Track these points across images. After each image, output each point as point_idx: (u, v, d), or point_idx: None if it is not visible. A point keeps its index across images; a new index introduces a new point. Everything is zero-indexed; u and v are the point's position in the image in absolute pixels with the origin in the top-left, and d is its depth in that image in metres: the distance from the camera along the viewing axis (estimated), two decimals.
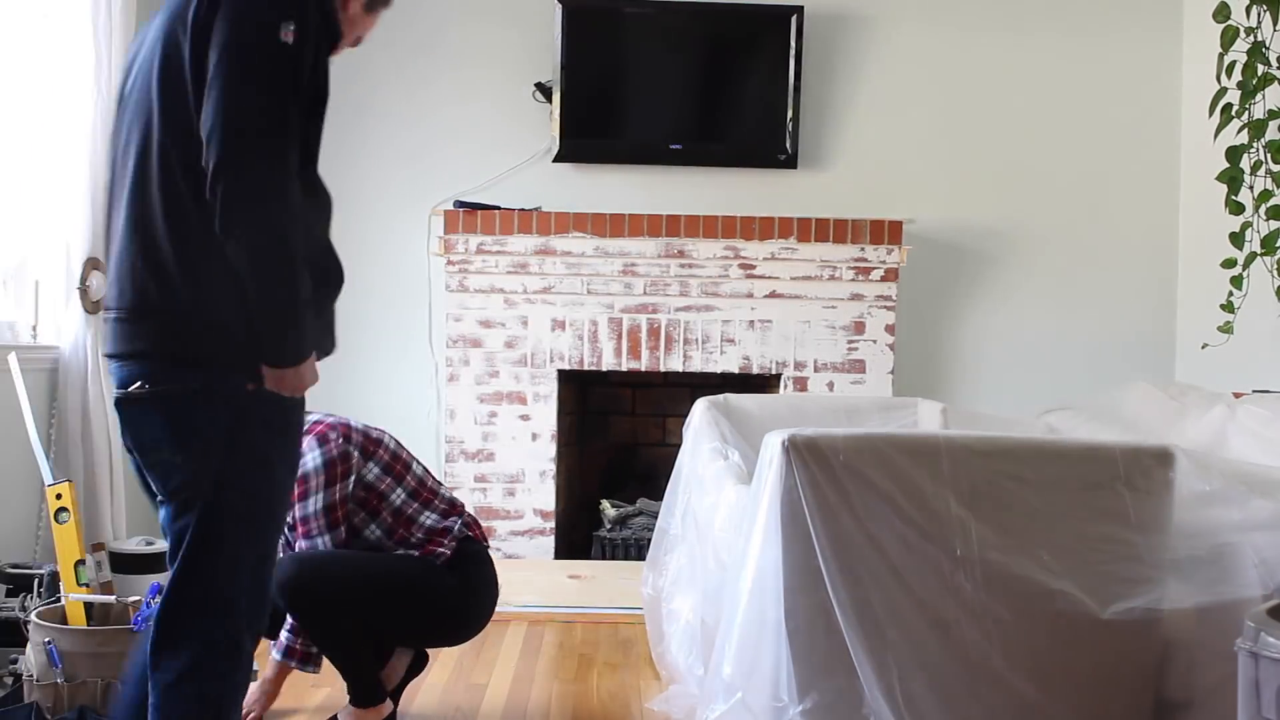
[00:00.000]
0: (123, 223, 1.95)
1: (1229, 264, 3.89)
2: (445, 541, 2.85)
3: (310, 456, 2.67)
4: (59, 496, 2.63)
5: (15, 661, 2.56)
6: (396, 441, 2.95)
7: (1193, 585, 2.33)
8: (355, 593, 2.73)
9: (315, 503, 2.67)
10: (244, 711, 2.82)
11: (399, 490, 2.85)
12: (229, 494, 1.91)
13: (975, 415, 4.00)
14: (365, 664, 2.85)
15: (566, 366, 4.59)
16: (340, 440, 2.74)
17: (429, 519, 2.86)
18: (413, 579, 2.82)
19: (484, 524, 4.57)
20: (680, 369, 4.61)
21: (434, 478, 2.99)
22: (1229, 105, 3.81)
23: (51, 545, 3.90)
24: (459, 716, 3.12)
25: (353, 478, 2.76)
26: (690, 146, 4.77)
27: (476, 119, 4.82)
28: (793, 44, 4.70)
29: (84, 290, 3.93)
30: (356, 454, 2.77)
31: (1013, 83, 4.89)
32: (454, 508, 2.95)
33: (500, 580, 4.40)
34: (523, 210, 4.58)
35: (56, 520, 2.61)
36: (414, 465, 2.94)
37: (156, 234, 1.89)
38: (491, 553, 3.06)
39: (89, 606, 2.56)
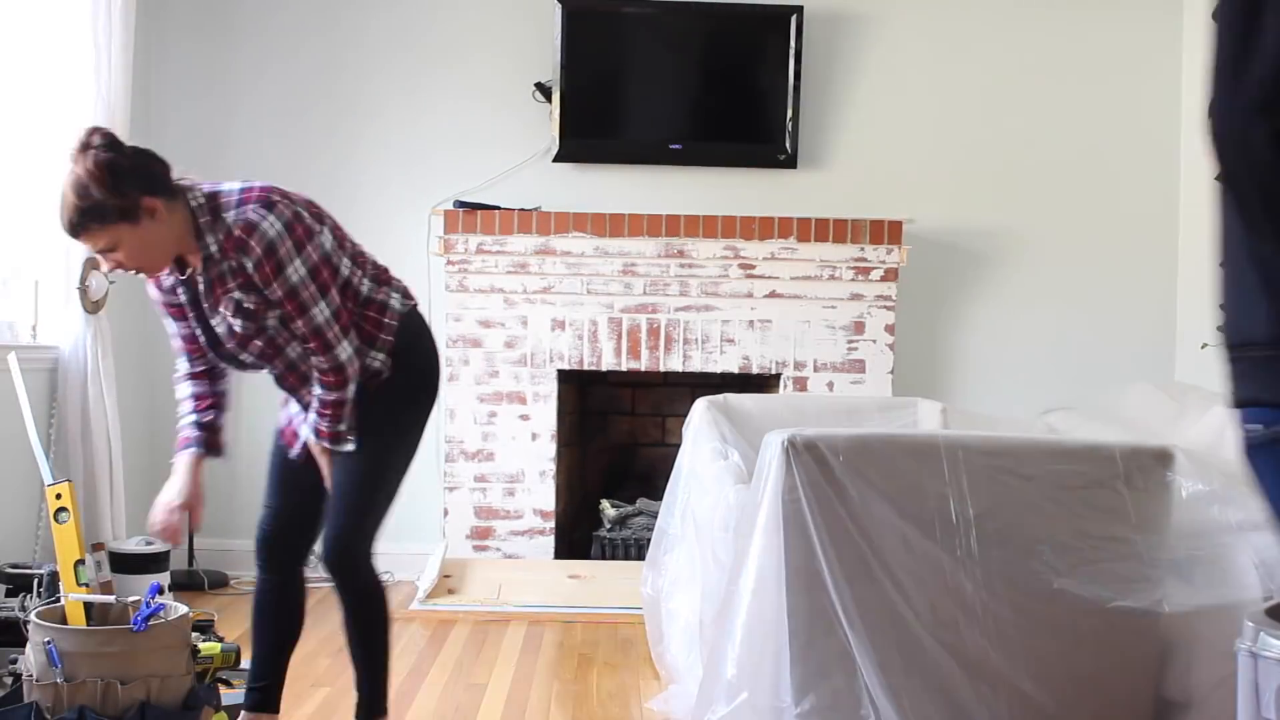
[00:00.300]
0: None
1: None
2: (385, 323, 2.56)
3: (270, 226, 2.35)
4: (59, 496, 2.61)
5: (15, 661, 2.56)
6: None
7: (1193, 585, 2.33)
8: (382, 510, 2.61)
9: (295, 271, 2.36)
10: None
11: (345, 259, 2.52)
12: None
13: (975, 415, 4.00)
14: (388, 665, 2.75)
15: (566, 366, 4.59)
16: (285, 202, 2.40)
17: (365, 287, 2.55)
18: (395, 458, 2.60)
19: (484, 524, 4.59)
20: (680, 369, 4.61)
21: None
22: None
23: (51, 545, 3.90)
24: (458, 716, 3.12)
25: (317, 238, 2.43)
26: (690, 146, 4.77)
27: (476, 119, 4.82)
28: (792, 44, 4.70)
29: (84, 290, 3.93)
30: (307, 216, 2.43)
31: (1012, 82, 4.89)
32: (381, 271, 2.64)
33: (500, 580, 4.44)
34: (523, 210, 4.58)
35: (56, 520, 2.60)
36: (346, 231, 2.61)
37: None
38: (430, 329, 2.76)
39: (89, 606, 2.56)
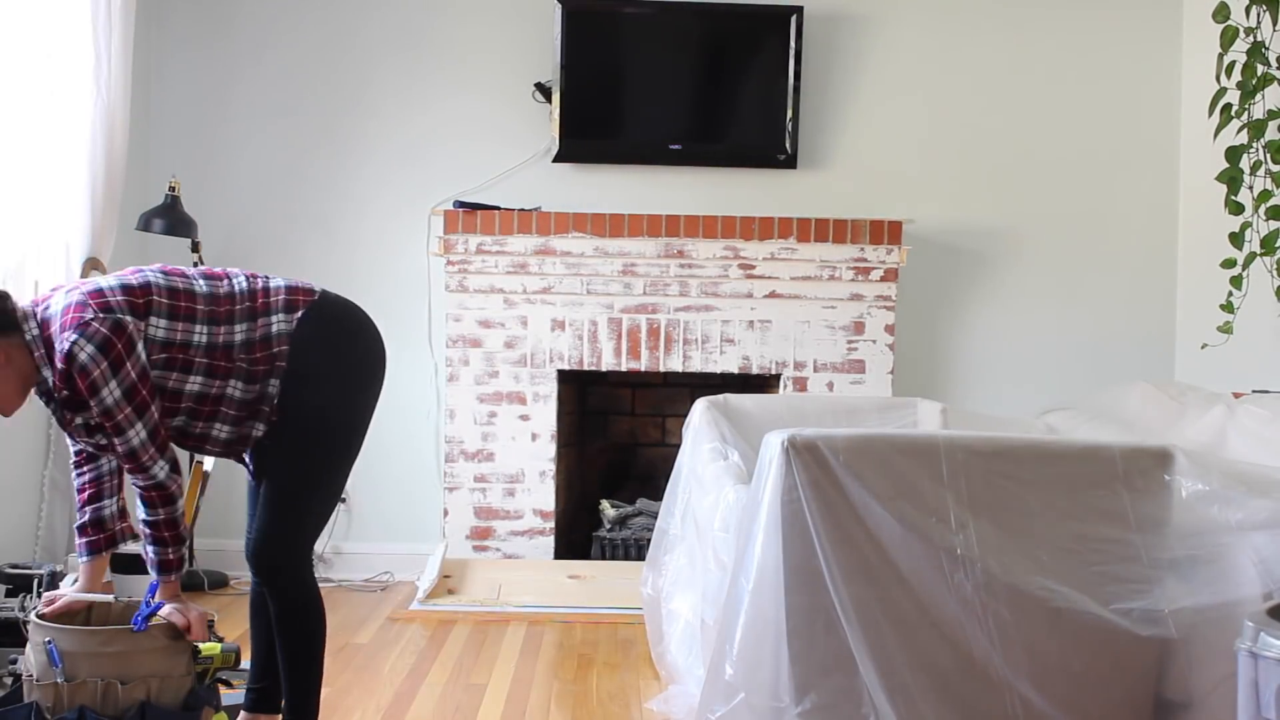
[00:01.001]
0: None
1: (1229, 264, 3.89)
2: (276, 352, 2.48)
3: (81, 350, 2.28)
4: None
5: (15, 661, 2.56)
6: (162, 272, 2.48)
7: (1192, 585, 2.33)
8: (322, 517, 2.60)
9: (110, 394, 2.30)
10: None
11: (197, 326, 2.42)
12: None
13: (975, 415, 4.01)
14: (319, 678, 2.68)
15: (566, 366, 4.59)
16: (101, 315, 2.31)
17: (238, 336, 2.46)
18: (329, 459, 2.56)
19: (484, 524, 4.59)
20: (680, 369, 4.61)
21: (221, 274, 2.54)
22: (1229, 105, 3.82)
23: (50, 545, 3.90)
24: (458, 716, 3.12)
25: (140, 347, 2.34)
26: (690, 146, 4.77)
27: (476, 119, 4.82)
28: (792, 44, 4.70)
29: None
30: (129, 318, 2.33)
31: (1012, 83, 4.89)
32: (256, 299, 2.51)
33: (500, 580, 4.44)
34: (522, 210, 4.58)
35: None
36: (196, 284, 2.48)
37: None
38: (339, 298, 2.63)
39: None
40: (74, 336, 2.29)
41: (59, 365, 2.32)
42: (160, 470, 2.41)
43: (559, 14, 4.65)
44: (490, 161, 4.79)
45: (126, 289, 2.39)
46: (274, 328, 2.49)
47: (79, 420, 2.41)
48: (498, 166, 4.78)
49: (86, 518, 2.55)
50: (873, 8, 4.86)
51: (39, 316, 2.37)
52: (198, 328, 2.43)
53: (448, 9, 4.83)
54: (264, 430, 2.52)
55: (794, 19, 4.71)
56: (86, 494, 2.56)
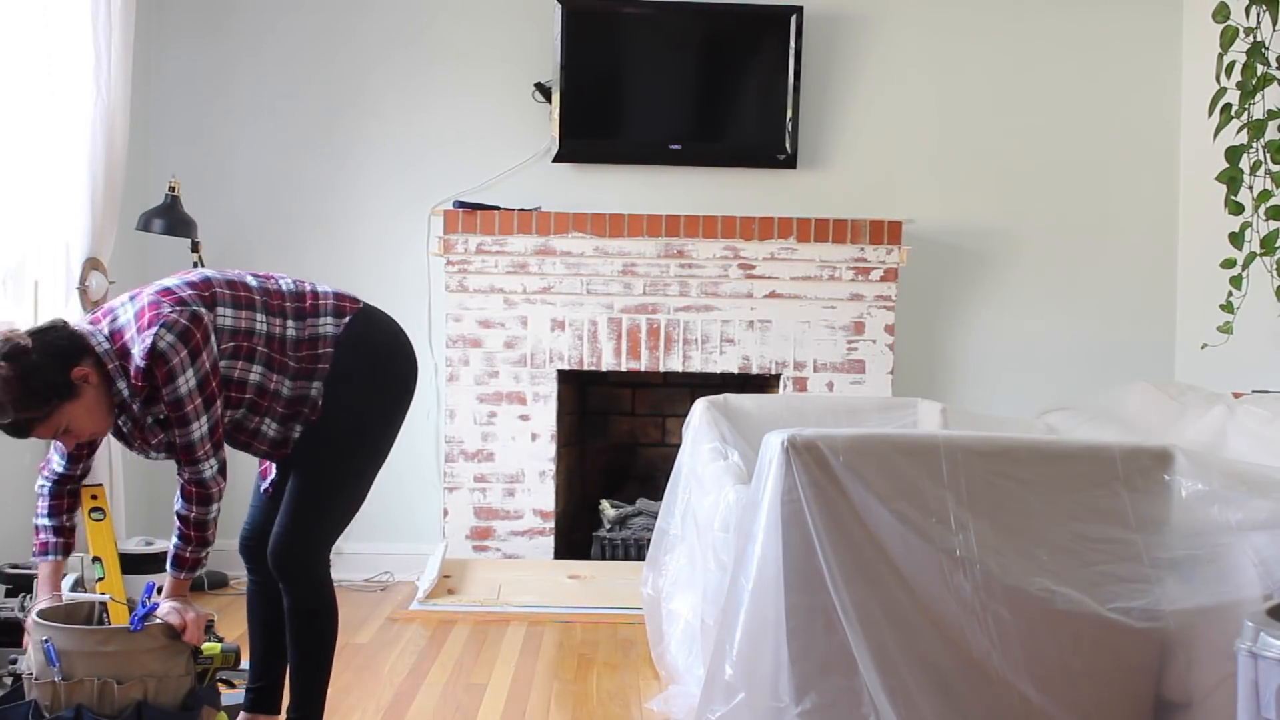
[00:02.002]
0: None
1: (1229, 264, 3.89)
2: (320, 353, 2.56)
3: (161, 340, 2.35)
4: (94, 497, 2.65)
5: (15, 661, 2.56)
6: (216, 271, 2.61)
7: (1192, 585, 2.33)
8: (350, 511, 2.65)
9: (185, 382, 2.38)
10: None
11: (258, 314, 2.51)
12: None
13: (975, 415, 4.00)
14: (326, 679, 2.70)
15: (566, 366, 4.59)
16: (179, 308, 2.39)
17: (290, 331, 2.54)
18: (356, 463, 2.62)
19: (484, 524, 4.59)
20: (680, 369, 4.61)
21: (268, 275, 2.64)
22: (1228, 105, 3.82)
23: None
24: (458, 716, 3.12)
25: (213, 339, 2.43)
26: (690, 146, 4.77)
27: (476, 119, 4.82)
28: (792, 44, 4.70)
29: (84, 290, 3.93)
30: (203, 310, 2.42)
31: (1012, 82, 4.89)
32: (304, 300, 2.60)
33: (500, 580, 4.44)
34: (522, 210, 4.58)
35: (91, 518, 2.64)
36: (247, 278, 2.58)
37: None
38: (380, 311, 2.72)
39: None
40: (156, 329, 2.36)
41: (141, 362, 2.37)
42: (208, 469, 2.47)
43: (559, 14, 4.65)
44: (490, 161, 4.79)
45: (191, 284, 2.48)
46: (321, 329, 2.58)
47: (150, 419, 2.46)
48: (498, 166, 4.78)
49: (64, 522, 2.61)
50: (873, 8, 4.86)
51: (106, 330, 2.43)
52: (258, 316, 2.52)
53: (448, 9, 4.83)
54: (301, 431, 2.58)
55: (794, 19, 4.70)
56: (65, 504, 2.62)
